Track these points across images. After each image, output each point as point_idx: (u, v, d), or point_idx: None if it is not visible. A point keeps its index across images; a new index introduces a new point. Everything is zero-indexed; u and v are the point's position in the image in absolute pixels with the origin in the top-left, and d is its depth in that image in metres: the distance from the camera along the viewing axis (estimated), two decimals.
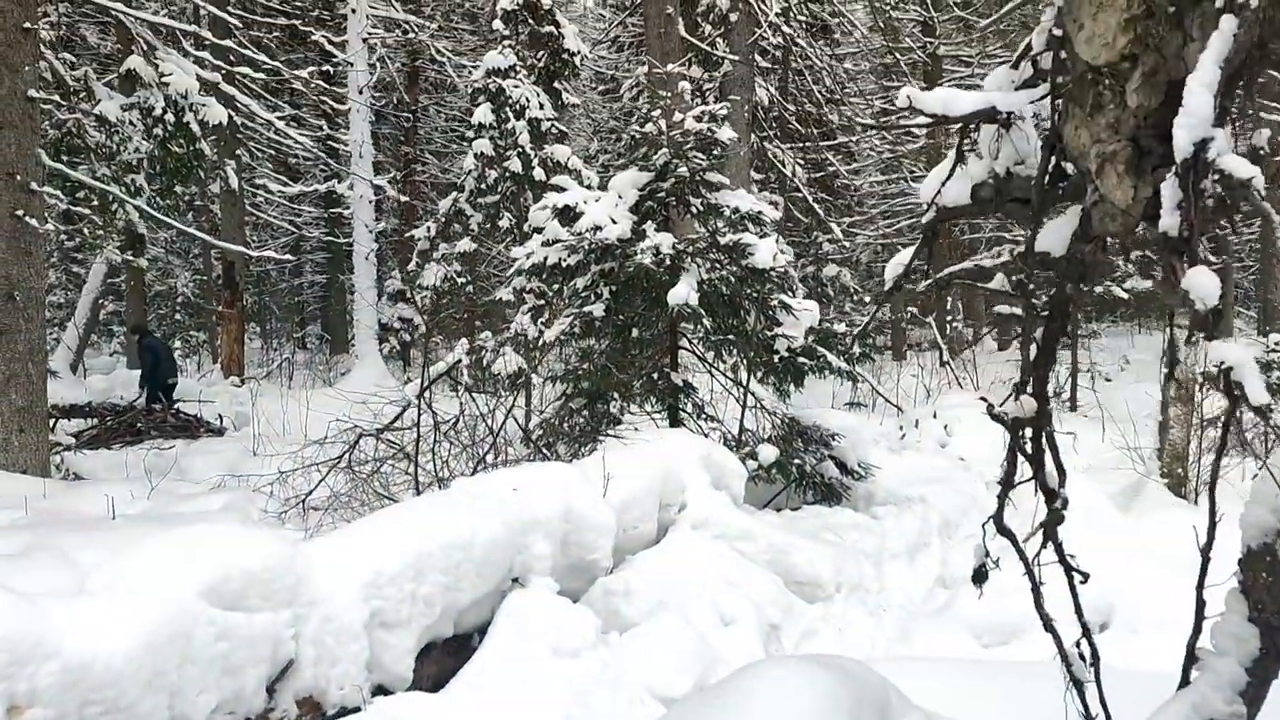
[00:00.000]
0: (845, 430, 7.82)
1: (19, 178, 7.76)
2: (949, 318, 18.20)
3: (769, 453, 6.99)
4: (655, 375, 7.41)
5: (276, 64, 11.32)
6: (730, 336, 7.21)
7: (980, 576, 2.68)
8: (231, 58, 12.72)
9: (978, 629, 4.99)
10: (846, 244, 18.05)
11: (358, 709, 3.79)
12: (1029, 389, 2.56)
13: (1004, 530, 2.65)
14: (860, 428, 8.59)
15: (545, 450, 7.30)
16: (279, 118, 16.36)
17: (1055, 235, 2.46)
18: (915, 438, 10.42)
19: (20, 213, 7.75)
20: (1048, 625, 2.61)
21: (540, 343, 7.56)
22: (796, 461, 7.14)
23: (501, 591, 4.61)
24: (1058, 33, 2.31)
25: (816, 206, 15.93)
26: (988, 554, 2.70)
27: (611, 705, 4.27)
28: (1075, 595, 2.64)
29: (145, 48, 9.08)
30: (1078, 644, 2.66)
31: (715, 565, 5.41)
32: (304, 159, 23.33)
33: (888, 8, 17.70)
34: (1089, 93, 2.25)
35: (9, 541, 6.39)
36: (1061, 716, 3.63)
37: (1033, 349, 2.60)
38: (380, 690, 3.95)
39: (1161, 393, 7.14)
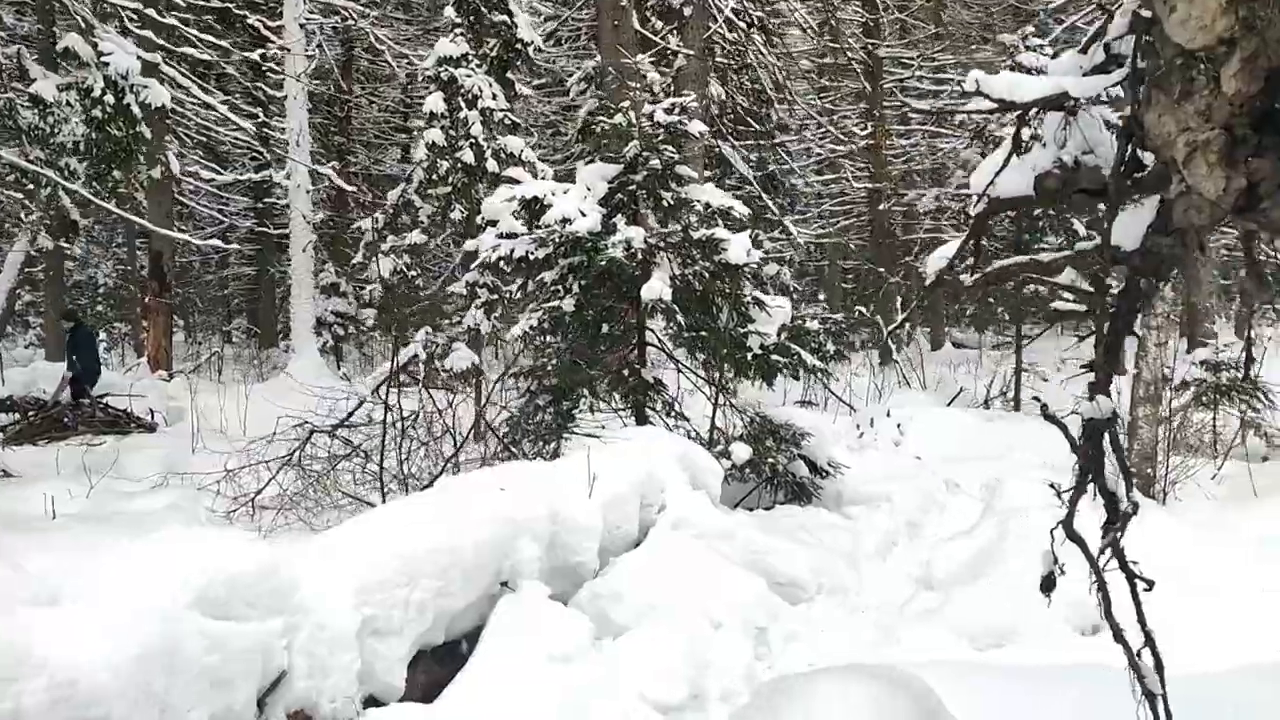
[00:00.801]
0: (811, 429, 7.76)
1: None
2: (899, 314, 18.36)
3: (743, 451, 6.89)
4: (625, 372, 7.26)
5: (223, 45, 10.88)
6: (703, 333, 7.09)
7: (1049, 584, 2.59)
8: (166, 38, 12.22)
9: (971, 631, 4.95)
10: (799, 241, 18.09)
11: None
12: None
13: (1074, 536, 2.56)
14: (824, 426, 8.56)
15: (512, 448, 7.10)
16: (213, 104, 15.82)
17: (1127, 228, 2.37)
18: (872, 437, 10.44)
19: None
20: (1118, 635, 2.52)
21: (510, 337, 7.36)
22: (770, 460, 7.05)
23: (490, 595, 4.43)
24: (1145, 14, 2.22)
25: (771, 204, 15.92)
26: (1056, 560, 2.60)
27: (607, 713, 4.12)
28: (1138, 603, 2.56)
29: (82, 25, 8.64)
30: (1139, 654, 2.57)
31: (700, 567, 5.28)
32: (234, 147, 22.59)
33: (832, 8, 17.82)
34: (1177, 78, 2.17)
35: None
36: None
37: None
38: (372, 701, 3.74)
39: (1131, 393, 7.21)
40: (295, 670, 3.42)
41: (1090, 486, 2.75)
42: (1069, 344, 21.69)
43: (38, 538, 6.15)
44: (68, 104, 8.11)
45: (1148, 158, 2.34)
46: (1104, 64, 2.42)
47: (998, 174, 2.65)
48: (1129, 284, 2.39)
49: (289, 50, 15.95)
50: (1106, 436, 2.55)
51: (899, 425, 10.84)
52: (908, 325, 17.20)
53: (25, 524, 6.76)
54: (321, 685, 3.50)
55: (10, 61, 8.38)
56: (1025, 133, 2.60)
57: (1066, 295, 10.38)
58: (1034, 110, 2.55)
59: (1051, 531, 2.60)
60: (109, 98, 8.10)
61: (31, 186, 8.42)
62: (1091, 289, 2.56)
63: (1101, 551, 2.65)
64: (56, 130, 8.33)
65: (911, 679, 2.66)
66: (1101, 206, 2.42)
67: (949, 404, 13.40)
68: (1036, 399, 2.66)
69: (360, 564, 3.79)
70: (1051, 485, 2.82)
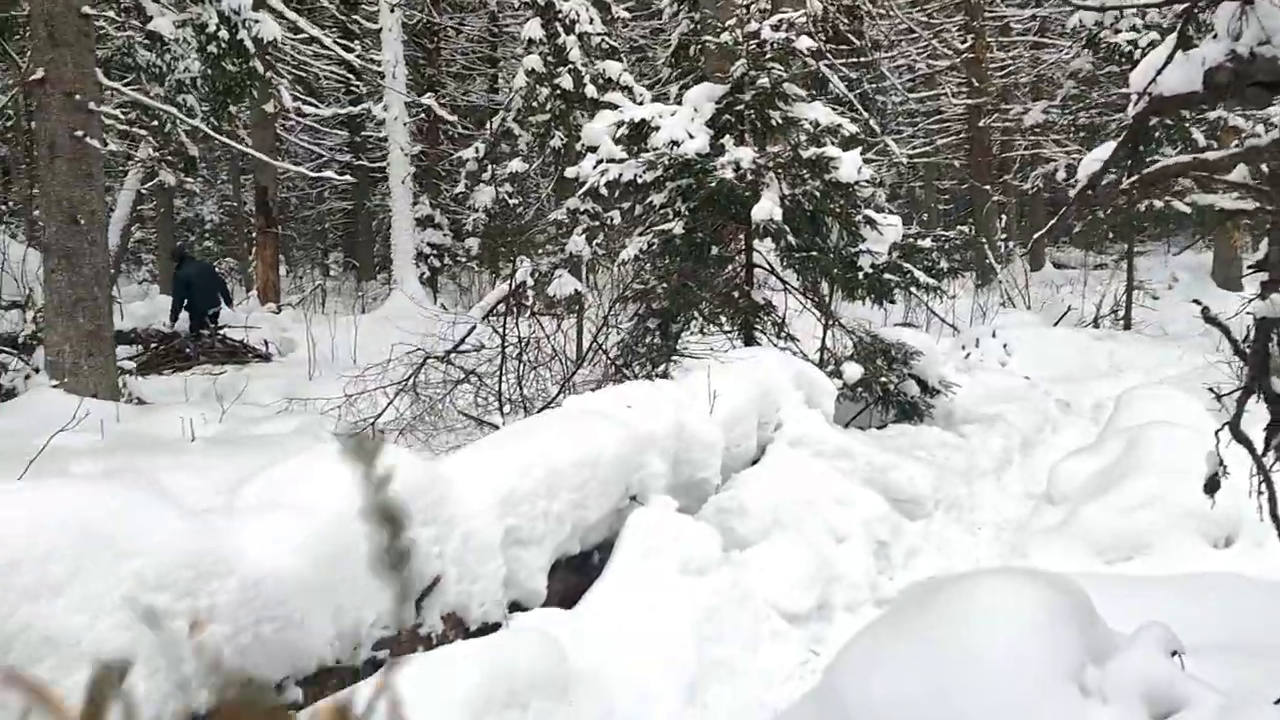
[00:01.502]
0: (921, 348, 7.70)
1: (77, 97, 7.57)
2: (1001, 234, 17.91)
3: (854, 370, 6.88)
4: (735, 294, 7.27)
5: None
6: (812, 253, 7.05)
7: (1213, 485, 2.57)
8: None
9: (1099, 545, 4.92)
10: (900, 160, 17.69)
11: (498, 624, 3.76)
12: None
13: (1240, 437, 2.53)
14: (933, 346, 8.48)
15: (623, 370, 7.21)
16: (307, 38, 16.00)
17: None
18: (978, 357, 10.31)
19: (80, 133, 7.59)
20: None
21: (622, 259, 7.42)
22: (881, 379, 7.03)
23: (619, 509, 4.55)
24: None
25: (872, 123, 15.58)
26: (1221, 462, 2.58)
27: (739, 622, 4.24)
28: None
29: None
30: None
31: (820, 483, 5.34)
32: (330, 81, 22.89)
33: None
34: None
35: (95, 464, 6.35)
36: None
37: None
38: (516, 606, 3.92)
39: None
40: (448, 576, 3.59)
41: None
42: (1177, 264, 20.91)
43: (178, 458, 6.47)
44: (185, 40, 8.31)
45: None
46: None
47: (1160, 71, 2.58)
48: None
49: None
50: (1275, 337, 2.50)
51: (1005, 345, 10.68)
52: (1012, 243, 16.76)
53: (167, 446, 7.12)
54: (471, 590, 3.67)
55: None
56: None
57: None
58: (1205, 1, 2.47)
59: (1216, 433, 2.57)
60: (223, 33, 8.27)
61: (155, 123, 8.69)
62: (1268, 185, 2.49)
63: (1265, 453, 2.62)
64: (173, 67, 8.56)
65: (1067, 581, 2.68)
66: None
67: (1055, 324, 13.12)
68: (1197, 302, 2.61)
69: (501, 478, 3.93)
70: (1210, 389, 2.78)
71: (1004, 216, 17.56)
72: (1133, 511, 4.89)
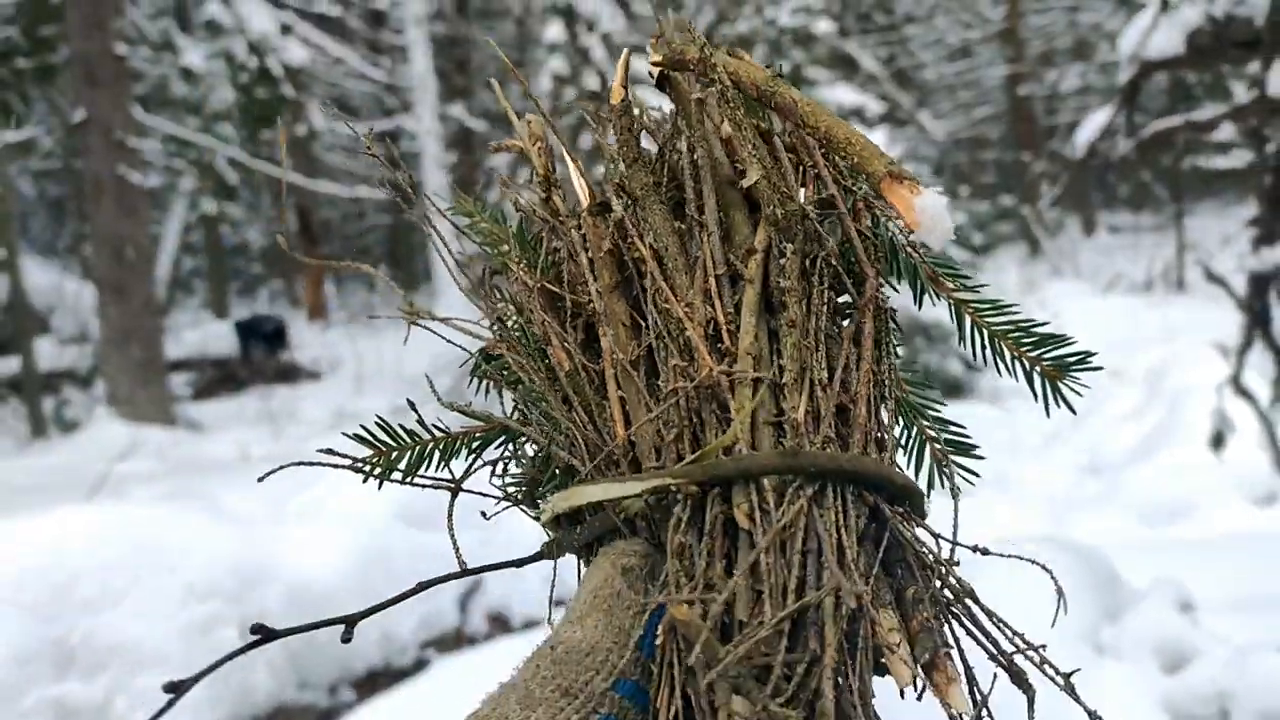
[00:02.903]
0: None
1: (116, 135, 7.81)
2: (1051, 203, 17.62)
3: None
4: None
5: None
6: None
7: (1218, 441, 2.57)
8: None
9: (1143, 510, 4.88)
10: (936, 137, 17.51)
11: (541, 620, 3.84)
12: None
13: (1242, 391, 2.52)
14: None
15: None
16: (336, 59, 16.25)
17: None
18: None
19: (122, 171, 7.82)
20: None
21: None
22: (921, 356, 7.01)
23: None
24: None
25: (901, 101, 15.46)
26: (1225, 418, 2.57)
27: None
28: None
29: None
30: None
31: None
32: (362, 98, 23.22)
33: None
34: None
35: (154, 488, 6.56)
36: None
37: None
38: (560, 604, 3.99)
39: None
40: (490, 578, 3.69)
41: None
42: (1235, 219, 20.41)
43: (232, 477, 6.66)
44: (216, 71, 8.52)
45: None
46: None
47: (1147, 36, 2.58)
48: None
49: None
50: (1274, 291, 2.49)
51: (1055, 316, 10.56)
52: (1057, 211, 16.48)
53: (220, 467, 7.33)
54: (513, 590, 3.75)
55: (162, 35, 8.83)
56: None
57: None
58: None
59: (1218, 389, 2.57)
60: (252, 61, 8.47)
61: (196, 156, 8.94)
62: (1248, 142, 2.47)
63: (1275, 402, 2.60)
64: (206, 98, 8.78)
65: (1089, 548, 2.70)
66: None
67: (1106, 290, 12.94)
68: (1199, 262, 2.60)
69: None
70: (1218, 346, 2.77)
71: (1047, 184, 17.27)
72: (1175, 475, 4.84)
